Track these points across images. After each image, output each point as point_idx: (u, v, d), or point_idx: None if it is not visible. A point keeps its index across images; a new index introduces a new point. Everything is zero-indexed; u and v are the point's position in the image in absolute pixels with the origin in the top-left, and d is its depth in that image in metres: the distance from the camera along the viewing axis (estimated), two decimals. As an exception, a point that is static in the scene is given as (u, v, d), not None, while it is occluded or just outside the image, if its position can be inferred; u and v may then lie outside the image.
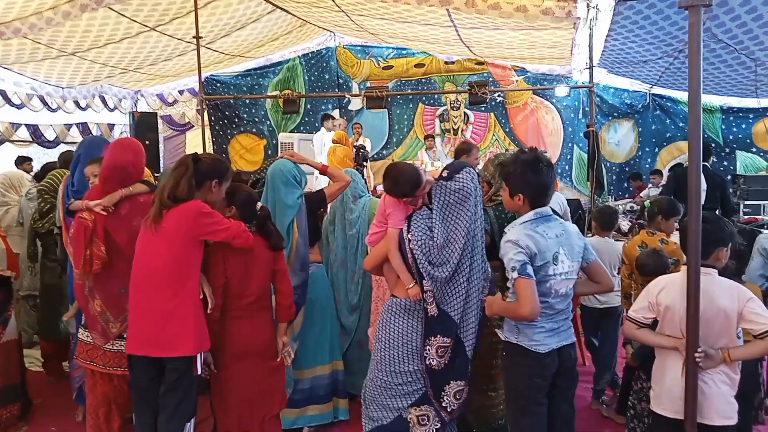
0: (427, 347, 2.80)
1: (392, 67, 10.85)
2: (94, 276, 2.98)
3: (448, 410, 2.84)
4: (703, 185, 5.56)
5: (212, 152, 9.86)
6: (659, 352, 2.57)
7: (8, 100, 7.49)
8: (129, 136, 8.03)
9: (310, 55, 10.78)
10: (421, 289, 2.78)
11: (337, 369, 3.61)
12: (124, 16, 6.47)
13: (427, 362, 2.80)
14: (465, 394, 2.87)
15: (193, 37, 6.64)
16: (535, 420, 2.53)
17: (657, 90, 9.43)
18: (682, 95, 9.08)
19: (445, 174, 2.79)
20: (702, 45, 2.23)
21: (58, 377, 4.55)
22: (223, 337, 2.85)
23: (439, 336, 2.79)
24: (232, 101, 9.97)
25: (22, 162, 7.05)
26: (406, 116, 11.18)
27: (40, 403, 4.06)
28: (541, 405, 2.53)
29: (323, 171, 3.57)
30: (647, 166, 9.83)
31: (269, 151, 10.47)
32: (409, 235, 2.76)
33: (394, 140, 11.21)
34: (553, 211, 2.64)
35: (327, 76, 11.09)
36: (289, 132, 10.55)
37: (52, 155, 8.32)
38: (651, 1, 5.06)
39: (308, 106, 10.90)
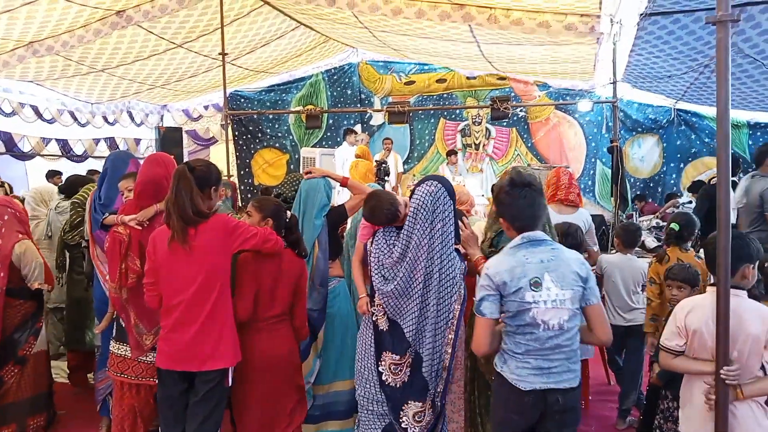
0: (381, 363, 2.85)
1: (414, 82, 10.89)
2: (129, 289, 3.04)
3: None
4: (737, 204, 5.42)
5: (236, 166, 10.00)
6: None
7: (40, 116, 7.68)
8: (155, 150, 8.18)
9: (332, 70, 10.89)
10: (371, 303, 2.90)
11: (358, 385, 3.59)
12: (152, 33, 6.63)
13: (383, 379, 2.82)
14: (428, 417, 2.81)
15: (219, 54, 6.76)
16: None
17: (682, 105, 9.30)
18: (708, 110, 8.93)
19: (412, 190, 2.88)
20: (730, 60, 2.21)
21: (83, 388, 4.60)
22: (245, 349, 2.86)
23: (389, 352, 2.84)
24: (255, 116, 10.12)
25: (53, 176, 7.22)
26: (427, 131, 11.19)
27: (65, 414, 4.11)
28: None
29: (344, 183, 3.61)
30: (672, 182, 9.67)
31: (291, 166, 10.58)
32: (371, 248, 2.89)
33: (416, 155, 11.22)
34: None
35: (349, 92, 11.18)
36: (312, 147, 10.63)
37: (81, 169, 8.50)
38: (676, 16, 5.02)
39: (330, 121, 10.99)
